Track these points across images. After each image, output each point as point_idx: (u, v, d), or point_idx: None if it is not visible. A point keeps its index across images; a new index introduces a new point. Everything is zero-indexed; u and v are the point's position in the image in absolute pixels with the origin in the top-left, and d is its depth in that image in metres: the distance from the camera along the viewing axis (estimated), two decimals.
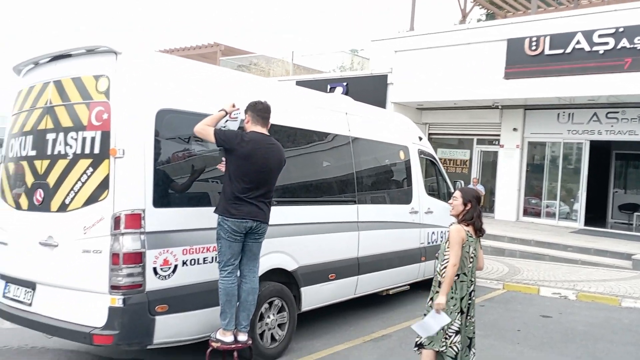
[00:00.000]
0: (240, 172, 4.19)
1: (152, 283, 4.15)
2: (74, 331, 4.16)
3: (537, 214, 17.01)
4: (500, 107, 16.43)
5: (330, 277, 5.92)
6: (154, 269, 4.17)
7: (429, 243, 7.78)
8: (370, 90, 16.85)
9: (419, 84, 16.37)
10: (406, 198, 7.38)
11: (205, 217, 4.53)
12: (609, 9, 13.81)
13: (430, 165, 8.14)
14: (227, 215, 4.14)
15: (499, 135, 17.17)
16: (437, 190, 8.23)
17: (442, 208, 8.27)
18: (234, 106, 4.50)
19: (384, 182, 7.14)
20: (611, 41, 13.37)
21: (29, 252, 4.55)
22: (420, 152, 7.89)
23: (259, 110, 4.46)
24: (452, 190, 8.59)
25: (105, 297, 4.02)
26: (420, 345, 4.21)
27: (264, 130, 4.48)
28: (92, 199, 4.16)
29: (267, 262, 4.98)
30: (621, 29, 13.25)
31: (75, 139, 4.30)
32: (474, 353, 4.29)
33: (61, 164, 4.37)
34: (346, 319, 6.62)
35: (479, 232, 4.26)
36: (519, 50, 14.72)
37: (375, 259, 6.60)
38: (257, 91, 5.14)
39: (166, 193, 4.33)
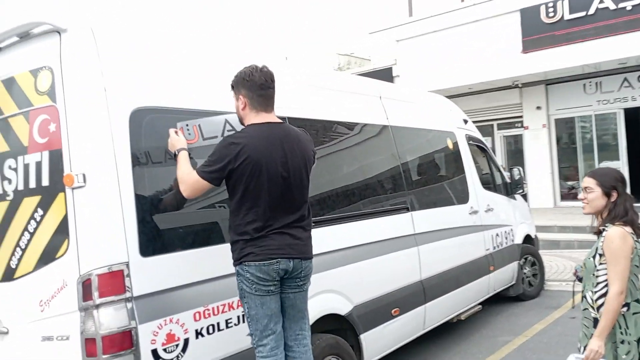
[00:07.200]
0: (251, 196, 2.64)
1: None
2: None
3: (576, 197, 15.52)
4: (520, 85, 15.02)
5: (394, 313, 4.46)
6: (154, 351, 2.71)
7: (494, 248, 6.29)
8: None
9: (428, 72, 14.94)
10: (462, 196, 5.92)
11: (222, 257, 3.09)
12: None
13: (479, 153, 6.69)
14: (248, 259, 2.65)
15: (521, 116, 15.72)
16: (492, 182, 6.77)
17: (503, 203, 6.82)
18: (177, 132, 2.90)
19: (435, 179, 5.69)
20: None
21: None
22: (469, 138, 6.45)
23: (256, 85, 2.77)
24: (508, 180, 7.10)
25: None
26: None
27: (271, 116, 2.85)
28: (47, 257, 2.71)
29: (310, 308, 3.35)
30: None
31: (15, 169, 2.87)
32: None
33: None
34: None
35: (638, 230, 2.79)
36: (535, 19, 13.40)
37: (441, 278, 5.14)
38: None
39: (159, 233, 2.87)
